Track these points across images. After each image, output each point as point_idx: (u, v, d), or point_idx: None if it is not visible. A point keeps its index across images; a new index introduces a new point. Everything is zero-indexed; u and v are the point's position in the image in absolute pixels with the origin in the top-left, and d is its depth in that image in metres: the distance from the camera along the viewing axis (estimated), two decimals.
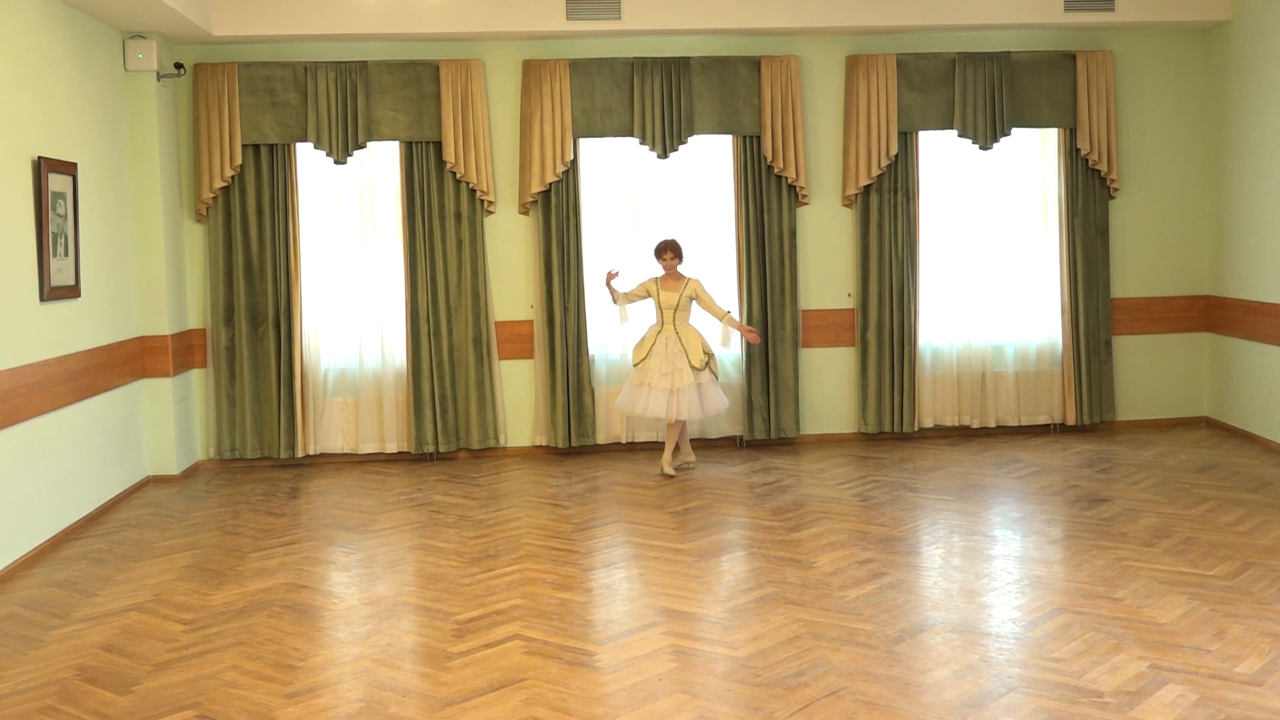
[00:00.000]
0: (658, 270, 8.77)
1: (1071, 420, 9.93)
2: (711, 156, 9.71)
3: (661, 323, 8.62)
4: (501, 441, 9.60)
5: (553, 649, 5.14)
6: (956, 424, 9.95)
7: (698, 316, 8.86)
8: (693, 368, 8.47)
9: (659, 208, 9.63)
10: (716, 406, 8.62)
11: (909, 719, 4.32)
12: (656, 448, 9.50)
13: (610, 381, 9.52)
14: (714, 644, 5.15)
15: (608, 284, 8.70)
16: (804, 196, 9.64)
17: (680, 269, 8.65)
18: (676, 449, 8.90)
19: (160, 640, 5.40)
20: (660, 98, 9.37)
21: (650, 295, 8.64)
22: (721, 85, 9.48)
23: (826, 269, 9.83)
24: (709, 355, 8.58)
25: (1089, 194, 9.88)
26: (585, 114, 9.41)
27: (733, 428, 9.77)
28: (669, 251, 8.59)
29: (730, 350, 9.55)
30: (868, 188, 9.71)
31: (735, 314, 8.70)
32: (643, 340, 8.67)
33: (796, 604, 5.63)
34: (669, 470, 8.60)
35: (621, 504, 7.88)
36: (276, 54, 9.29)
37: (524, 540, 6.97)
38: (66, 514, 7.46)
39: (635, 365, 8.64)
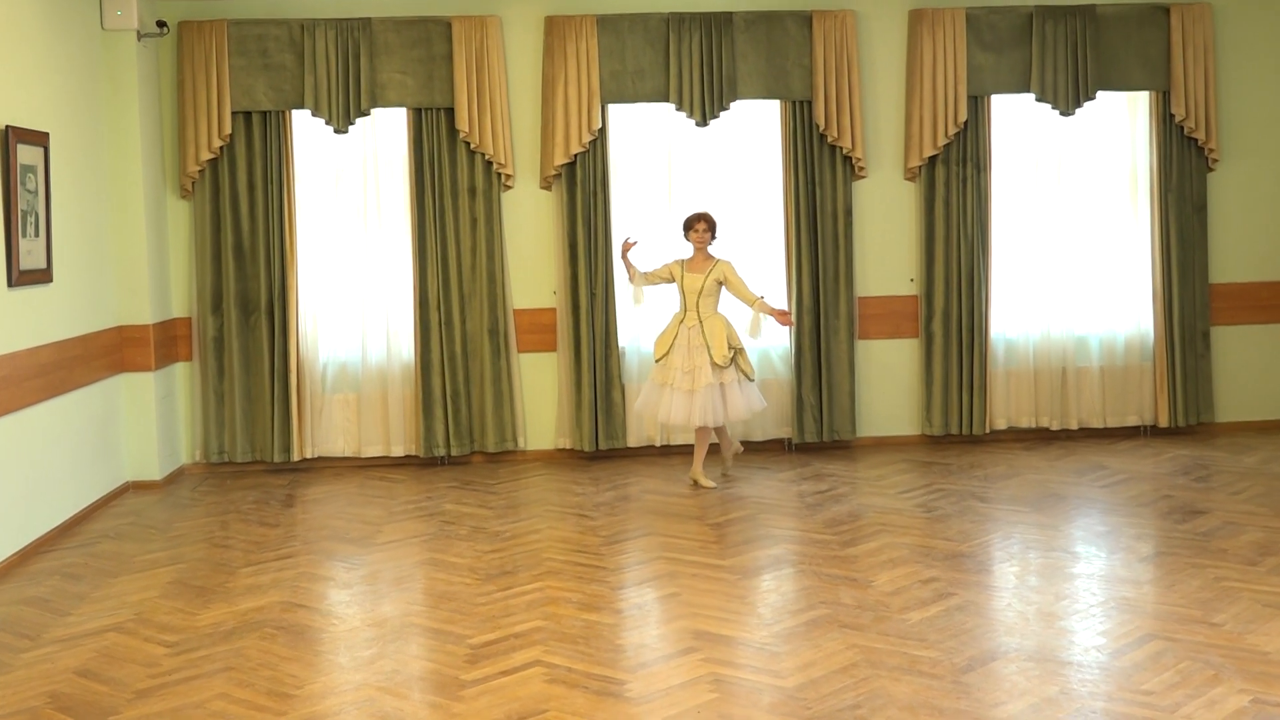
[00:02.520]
0: (687, 251, 8.69)
1: (1164, 422, 9.86)
2: (757, 124, 9.68)
3: (684, 310, 8.52)
4: (520, 444, 9.62)
5: (578, 677, 5.14)
6: (1033, 426, 9.90)
7: (728, 305, 8.73)
8: (714, 365, 8.34)
9: (697, 182, 9.62)
10: (744, 410, 8.47)
11: None
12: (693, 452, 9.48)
13: (643, 377, 9.51)
14: (758, 673, 5.13)
15: (624, 256, 8.66)
16: (861, 169, 9.60)
17: (712, 249, 8.58)
18: (716, 450, 8.87)
19: (141, 665, 5.44)
20: (699, 58, 9.35)
21: (674, 279, 8.60)
22: (768, 44, 9.46)
23: (886, 251, 9.79)
24: (735, 349, 8.42)
25: (1184, 166, 9.79)
26: (615, 76, 9.41)
27: (780, 429, 9.75)
28: (701, 223, 8.48)
29: (769, 341, 9.47)
30: (933, 159, 9.66)
31: (769, 300, 8.54)
32: (665, 332, 8.60)
33: (852, 628, 5.61)
34: (704, 481, 8.56)
35: (655, 514, 7.87)
36: (270, 10, 9.33)
37: (545, 555, 6.98)
38: (37, 524, 7.52)
39: (657, 361, 8.57)
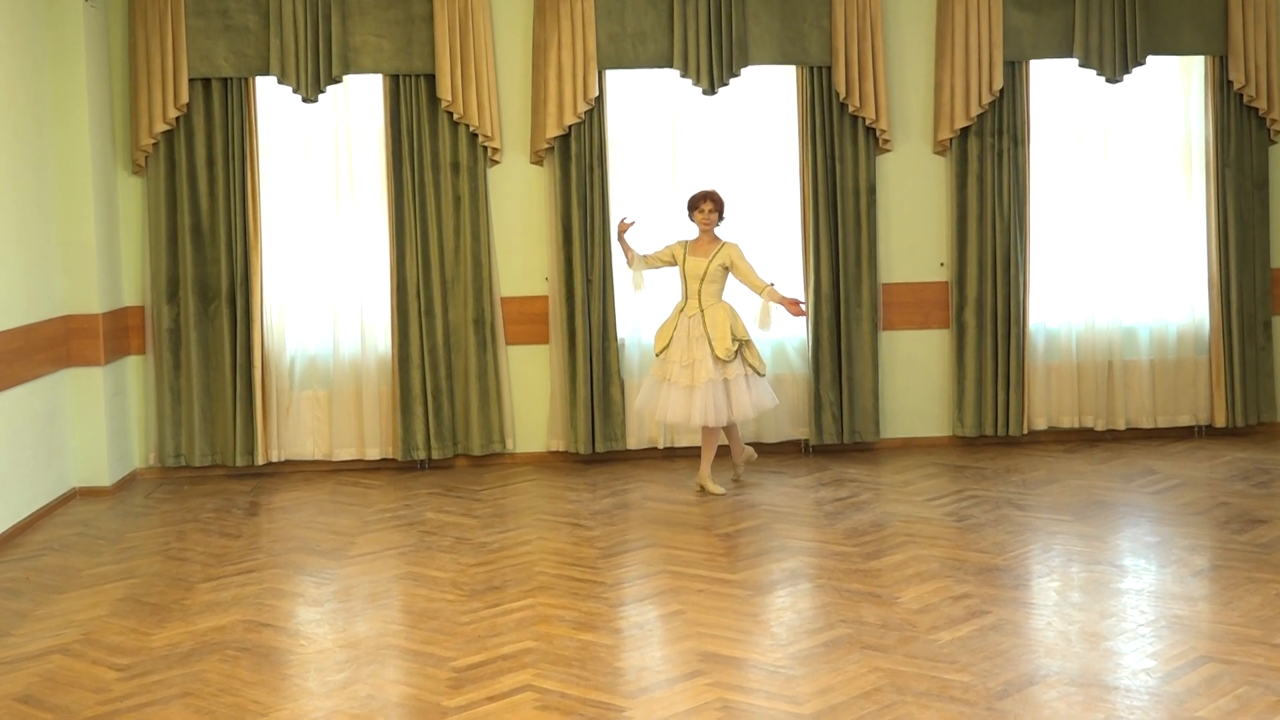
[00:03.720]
0: (691, 232, 8.68)
1: (1221, 422, 9.87)
2: (770, 92, 9.68)
3: (685, 298, 8.53)
4: (509, 446, 9.63)
5: (572, 703, 5.14)
6: (1076, 426, 9.90)
7: (736, 293, 8.72)
8: (717, 358, 8.34)
9: (704, 156, 9.61)
10: (751, 408, 8.47)
11: None
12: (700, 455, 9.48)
13: (644, 372, 9.49)
14: (772, 698, 5.13)
15: (620, 237, 8.66)
16: (886, 142, 9.60)
17: (719, 231, 8.58)
18: (725, 453, 8.87)
19: (89, 690, 5.43)
20: (706, 19, 9.34)
21: (676, 261, 8.60)
22: (783, 3, 9.45)
23: (914, 232, 9.80)
24: (741, 341, 8.42)
25: (1243, 138, 9.79)
26: (613, 39, 9.41)
27: (796, 430, 9.75)
28: (708, 202, 8.49)
29: (784, 333, 9.47)
30: (965, 131, 9.66)
31: (779, 288, 8.52)
32: (666, 323, 8.60)
33: (875, 649, 5.61)
34: (712, 487, 8.56)
35: (657, 524, 7.87)
36: None
37: (537, 568, 6.98)
38: None
39: (657, 355, 8.57)
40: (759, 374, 8.52)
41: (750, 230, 9.33)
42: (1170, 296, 9.94)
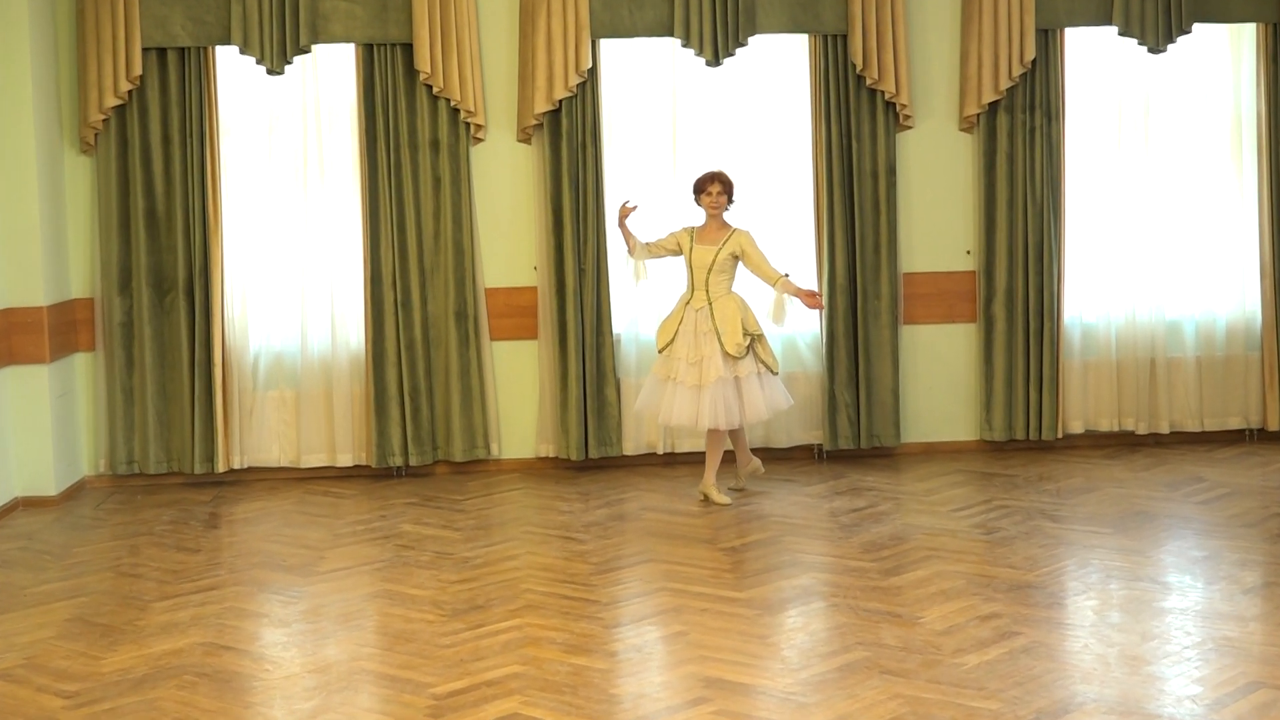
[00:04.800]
0: (698, 218, 8.68)
1: (1274, 425, 9.88)
2: (780, 64, 9.68)
3: (691, 290, 8.54)
4: (494, 452, 9.63)
5: None
6: (1115, 429, 9.91)
7: (747, 284, 8.72)
8: (727, 355, 8.34)
9: (708, 134, 9.62)
10: (764, 409, 8.48)
11: None
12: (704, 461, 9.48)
13: (642, 371, 9.51)
14: None
15: (621, 223, 8.67)
16: (907, 118, 9.60)
17: (727, 216, 8.58)
18: (728, 459, 8.87)
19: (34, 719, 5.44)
20: None
21: (681, 250, 8.61)
22: None
23: (937, 217, 9.80)
24: (753, 336, 8.43)
25: None
26: (608, 5, 9.40)
27: (808, 434, 9.76)
28: (716, 184, 8.49)
29: (796, 327, 9.45)
30: (994, 106, 9.66)
31: (795, 279, 8.51)
32: (669, 317, 8.61)
33: (896, 674, 5.61)
34: (717, 496, 8.56)
35: (657, 537, 7.88)
36: None
37: (524, 586, 6.98)
38: None
39: (660, 352, 8.58)
40: (772, 372, 8.52)
41: (759, 215, 9.31)
42: (1219, 287, 9.95)
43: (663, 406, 8.48)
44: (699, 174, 8.65)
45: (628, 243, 8.65)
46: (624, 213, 8.63)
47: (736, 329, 8.34)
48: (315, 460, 9.58)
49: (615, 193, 9.42)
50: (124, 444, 9.39)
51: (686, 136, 9.62)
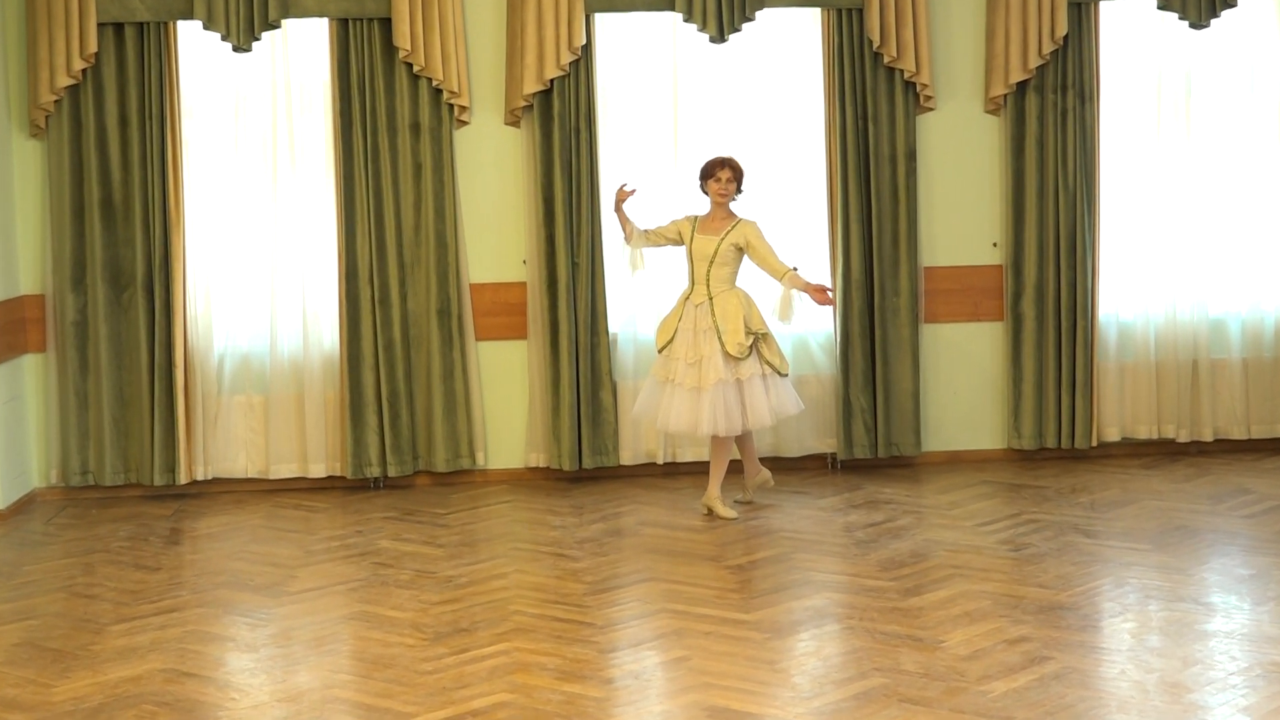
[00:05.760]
0: (701, 207, 8.68)
1: None
2: (790, 39, 9.68)
3: (692, 283, 8.55)
4: (480, 462, 9.64)
5: None
6: (1154, 437, 9.92)
7: (753, 278, 8.74)
8: (728, 355, 8.33)
9: (712, 116, 9.63)
10: (770, 414, 8.47)
11: None
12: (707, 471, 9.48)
13: (641, 372, 9.51)
14: None
15: (618, 208, 8.66)
16: (928, 99, 9.61)
17: (734, 207, 8.56)
18: (737, 468, 8.86)
19: None
20: None
21: (682, 240, 8.60)
22: None
23: (961, 206, 9.81)
24: (757, 334, 8.42)
25: None
26: None
27: (821, 442, 9.77)
28: (726, 170, 8.48)
29: (807, 325, 9.42)
30: (1023, 85, 9.66)
31: (803, 273, 8.50)
32: (670, 314, 8.62)
33: (916, 703, 5.62)
34: (722, 510, 8.57)
35: (657, 554, 7.88)
36: None
37: (513, 607, 6.98)
38: None
39: (660, 351, 8.59)
40: (780, 373, 8.51)
41: (767, 205, 9.33)
42: (1266, 282, 9.96)
43: (660, 411, 8.48)
44: (707, 159, 8.64)
45: (624, 229, 8.65)
46: (621, 196, 8.63)
47: (738, 327, 8.33)
48: (285, 471, 9.58)
49: (611, 180, 9.39)
50: (77, 453, 9.38)
51: (689, 120, 9.62)
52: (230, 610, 7.10)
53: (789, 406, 8.58)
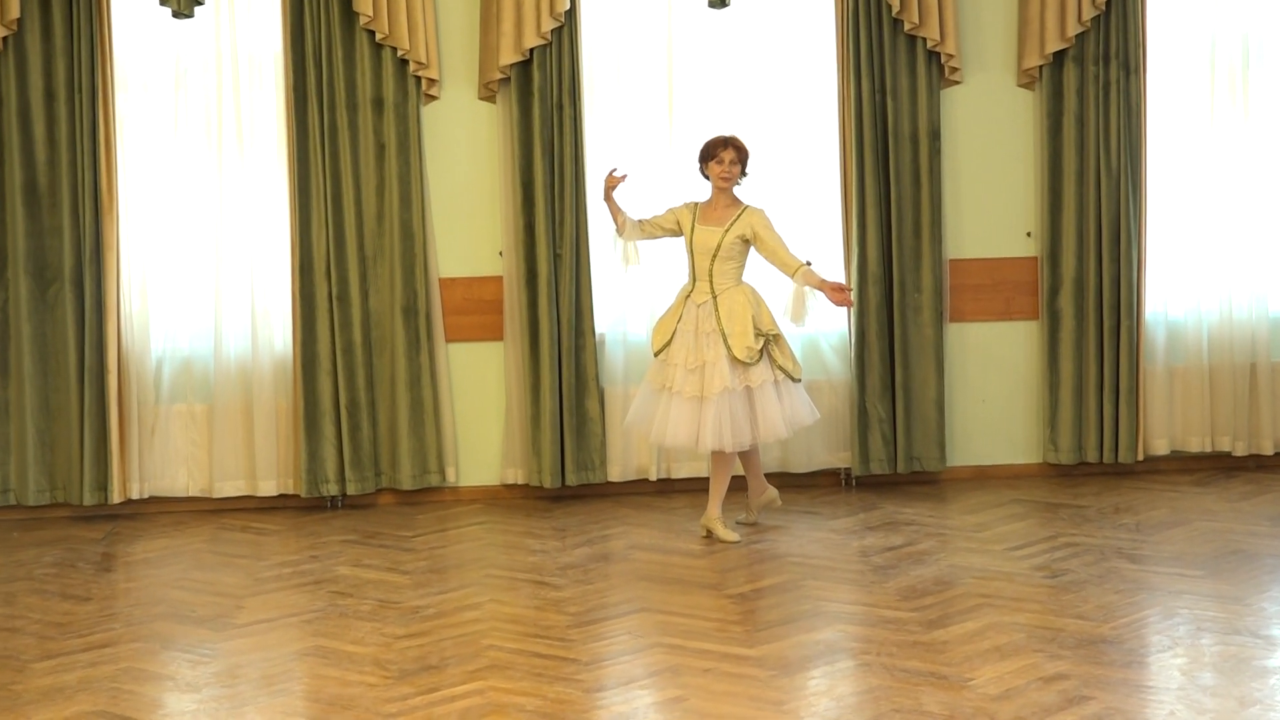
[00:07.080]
0: (703, 192, 8.69)
1: None
2: (800, 4, 9.71)
3: (693, 280, 8.56)
4: (450, 479, 9.65)
5: None
6: (1207, 450, 9.95)
7: (763, 273, 8.76)
8: (735, 360, 8.35)
9: (712, 91, 9.66)
10: (783, 425, 8.47)
11: None
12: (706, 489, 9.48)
13: (631, 379, 9.53)
14: None
15: (608, 197, 8.66)
16: (954, 71, 9.63)
17: (738, 191, 8.57)
18: (739, 485, 8.87)
19: None
20: None
21: (681, 230, 8.61)
22: None
23: (991, 191, 9.84)
24: (767, 336, 8.42)
25: None
26: None
27: (833, 456, 9.79)
28: (729, 151, 8.48)
29: (819, 326, 9.39)
30: (1060, 56, 9.68)
31: (818, 268, 8.50)
32: (668, 313, 8.63)
33: None
34: (723, 533, 8.58)
35: (649, 581, 7.89)
36: None
37: (487, 641, 6.98)
38: None
39: (656, 355, 8.60)
40: (793, 379, 8.50)
41: (775, 191, 9.36)
42: None
43: (656, 422, 8.47)
44: (708, 138, 8.64)
45: (615, 220, 8.65)
46: (611, 183, 8.63)
47: (746, 329, 8.32)
48: (231, 489, 9.58)
49: (597, 163, 9.44)
50: None
51: (685, 94, 9.65)
52: (169, 645, 7.09)
53: (804, 416, 8.57)
